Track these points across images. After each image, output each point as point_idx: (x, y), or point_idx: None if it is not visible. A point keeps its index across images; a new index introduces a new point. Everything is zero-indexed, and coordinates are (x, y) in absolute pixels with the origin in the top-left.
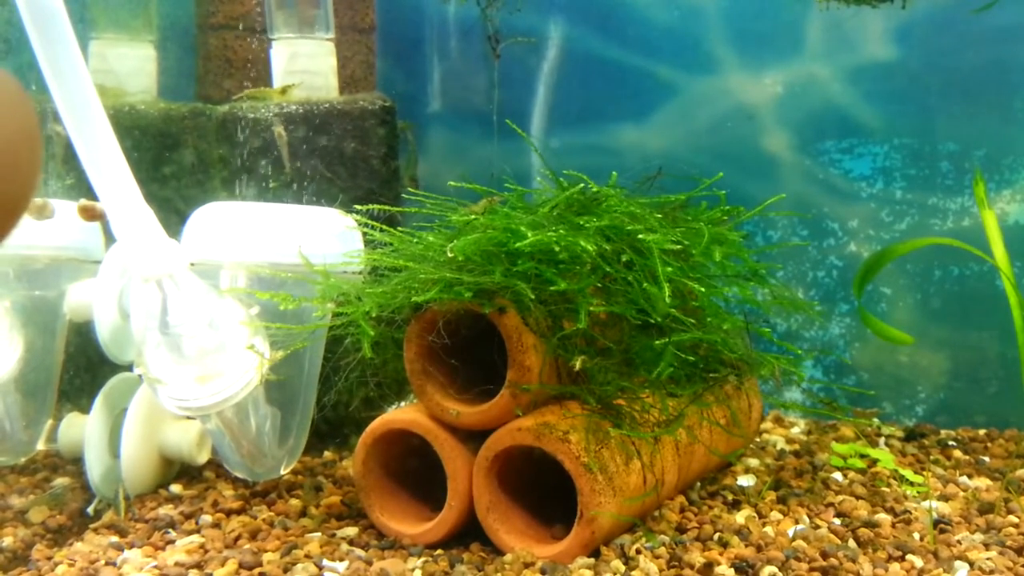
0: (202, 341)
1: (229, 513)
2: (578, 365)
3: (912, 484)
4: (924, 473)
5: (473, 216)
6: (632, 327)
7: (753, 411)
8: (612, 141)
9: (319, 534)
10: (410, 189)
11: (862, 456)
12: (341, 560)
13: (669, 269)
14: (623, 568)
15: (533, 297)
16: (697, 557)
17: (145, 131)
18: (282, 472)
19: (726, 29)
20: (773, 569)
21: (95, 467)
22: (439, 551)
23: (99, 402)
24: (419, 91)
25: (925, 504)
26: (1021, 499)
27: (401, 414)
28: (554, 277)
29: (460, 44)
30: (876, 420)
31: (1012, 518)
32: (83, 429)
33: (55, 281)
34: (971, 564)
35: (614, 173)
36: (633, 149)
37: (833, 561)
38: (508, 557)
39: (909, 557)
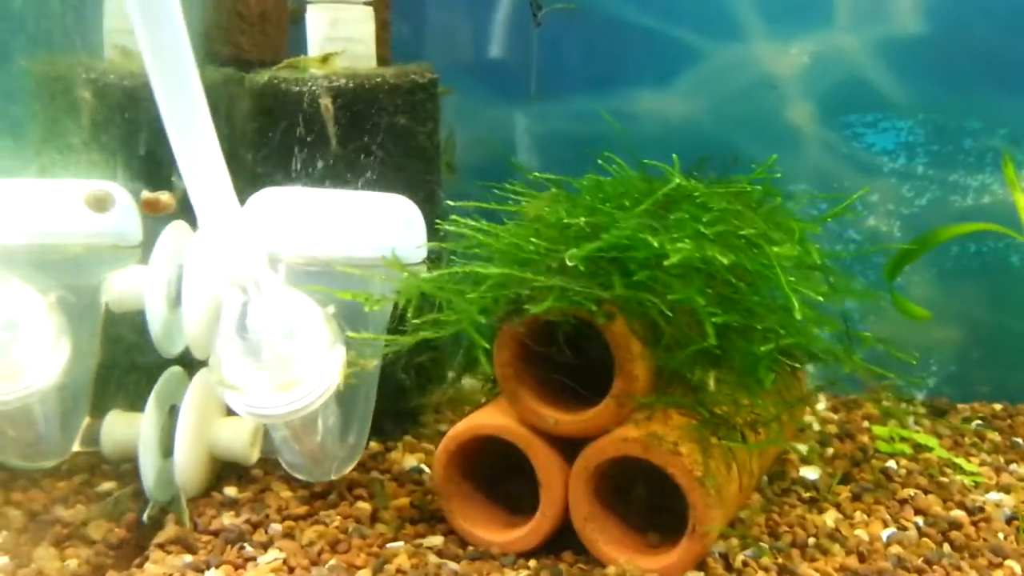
0: (281, 348)
1: (297, 519)
2: (712, 384)
3: (967, 473)
4: (970, 459)
5: (545, 208)
6: (735, 332)
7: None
8: (631, 106)
9: (402, 543)
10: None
11: (903, 439)
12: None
13: (791, 279)
14: None
15: (668, 312)
16: (806, 569)
17: None
18: (345, 472)
19: None
20: None
21: (150, 470)
22: (532, 561)
23: (152, 401)
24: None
25: (990, 497)
26: None
27: (488, 419)
28: (675, 286)
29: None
30: (891, 394)
31: None
32: (127, 428)
33: (93, 270)
34: None
35: (675, 156)
36: (653, 115)
37: (939, 570)
38: (611, 570)
39: (1008, 563)
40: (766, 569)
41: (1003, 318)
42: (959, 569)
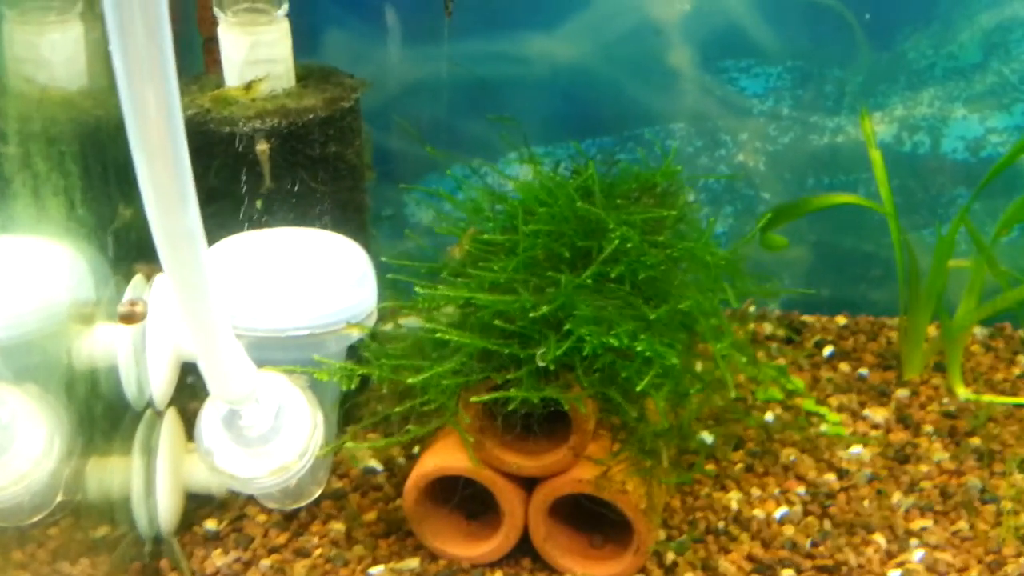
0: (272, 439)
1: (281, 549)
2: (663, 456)
3: (831, 423)
4: (829, 400)
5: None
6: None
7: None
8: (522, 50)
9: (382, 567)
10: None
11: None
12: None
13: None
14: None
15: (635, 415)
16: (724, 563)
17: (96, 138)
18: (314, 496)
19: None
20: (790, 573)
21: (143, 512)
22: (499, 572)
23: (137, 447)
24: None
25: (852, 453)
26: (923, 442)
27: (455, 461)
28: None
29: None
30: (752, 309)
31: (922, 467)
32: (111, 474)
33: (57, 342)
34: (920, 539)
35: (591, 163)
36: (543, 58)
37: (824, 551)
38: None
39: (875, 537)
40: (692, 565)
41: (846, 240)
42: (840, 551)
